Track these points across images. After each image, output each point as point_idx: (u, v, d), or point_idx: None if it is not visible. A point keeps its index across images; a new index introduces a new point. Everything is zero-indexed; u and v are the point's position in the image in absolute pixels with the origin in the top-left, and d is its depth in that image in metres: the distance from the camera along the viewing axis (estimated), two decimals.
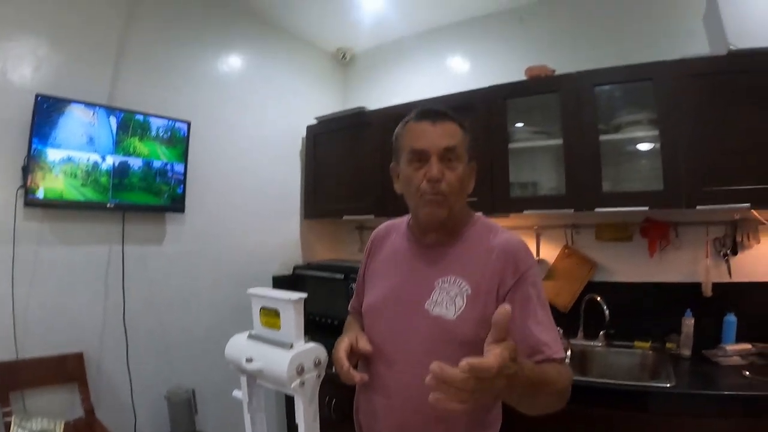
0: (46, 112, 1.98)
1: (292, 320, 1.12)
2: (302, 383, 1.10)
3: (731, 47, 1.93)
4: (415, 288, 1.25)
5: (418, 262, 1.30)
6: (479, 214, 1.35)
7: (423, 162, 1.20)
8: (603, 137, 2.19)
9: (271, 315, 1.16)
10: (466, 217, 1.30)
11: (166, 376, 2.44)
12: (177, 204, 2.45)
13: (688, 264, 2.34)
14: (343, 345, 1.22)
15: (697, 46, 2.18)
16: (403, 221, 1.43)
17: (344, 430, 1.50)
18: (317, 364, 1.14)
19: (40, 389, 2.00)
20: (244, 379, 1.22)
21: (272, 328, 1.17)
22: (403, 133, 1.27)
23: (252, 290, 1.21)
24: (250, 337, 1.21)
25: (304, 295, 1.12)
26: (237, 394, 1.27)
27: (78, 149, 2.08)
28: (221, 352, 1.27)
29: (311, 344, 1.15)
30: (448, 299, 1.19)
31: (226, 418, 2.39)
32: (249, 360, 1.13)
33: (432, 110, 1.24)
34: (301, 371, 1.10)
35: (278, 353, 1.11)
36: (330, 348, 1.25)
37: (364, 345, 1.24)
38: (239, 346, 1.21)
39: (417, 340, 1.20)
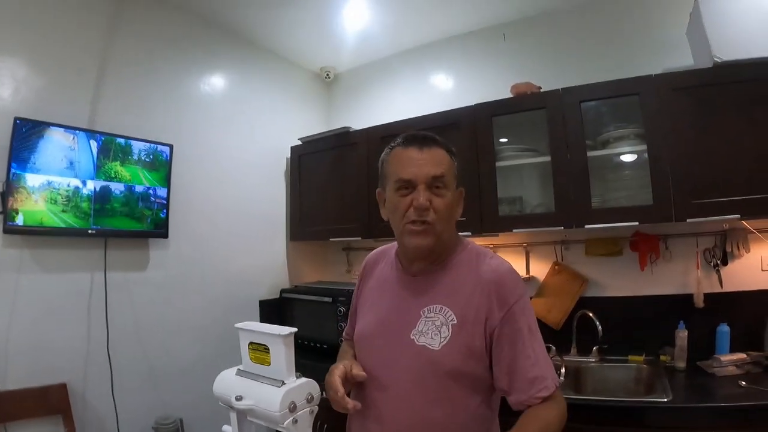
0: (24, 136, 1.92)
1: (282, 356, 1.09)
2: (295, 421, 1.07)
3: (716, 59, 1.94)
4: (402, 317, 1.24)
5: (404, 291, 1.28)
6: (469, 240, 1.33)
7: (410, 190, 1.18)
8: (591, 153, 2.18)
9: (260, 350, 1.13)
10: (454, 245, 1.28)
11: (153, 406, 2.37)
12: (160, 229, 2.40)
13: (679, 276, 2.33)
14: (337, 371, 1.20)
15: (681, 59, 2.20)
16: (393, 247, 1.41)
17: None
18: (310, 400, 1.11)
19: (24, 422, 1.92)
20: (234, 416, 1.18)
21: (262, 364, 1.13)
22: (389, 160, 1.25)
23: (240, 324, 1.17)
24: (239, 373, 1.18)
25: (293, 330, 1.09)
26: (227, 429, 1.23)
27: (58, 174, 2.02)
28: (209, 379, 1.23)
29: (303, 380, 1.11)
30: (434, 329, 1.17)
31: None
32: (239, 398, 1.09)
33: (419, 136, 1.23)
34: (293, 408, 1.06)
35: (269, 391, 1.07)
36: (320, 374, 1.22)
37: (358, 372, 1.21)
38: (228, 383, 1.17)
39: (404, 369, 1.19)
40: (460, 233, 1.34)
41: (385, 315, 1.28)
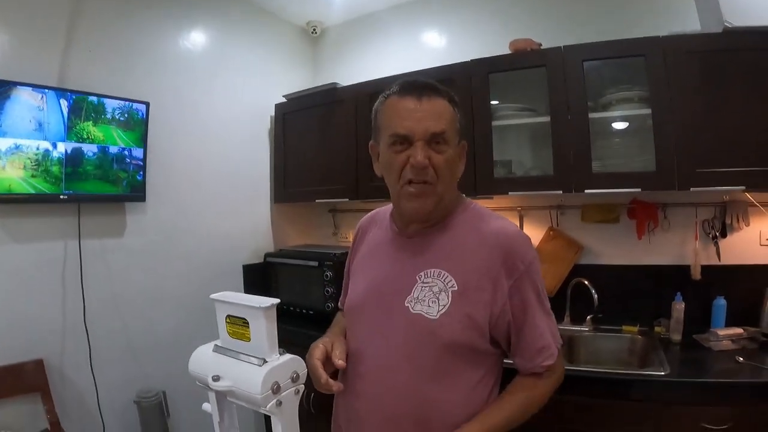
0: None
1: (264, 331, 0.99)
2: (279, 403, 0.98)
3: (726, 23, 1.85)
4: (395, 283, 1.14)
5: (398, 254, 1.19)
6: (470, 200, 1.23)
7: (406, 146, 1.07)
8: (592, 115, 2.09)
9: (238, 324, 1.03)
10: (455, 204, 1.18)
11: (134, 380, 2.31)
12: (137, 192, 2.28)
13: (676, 246, 2.28)
14: (317, 352, 1.11)
15: (687, 23, 2.10)
16: (388, 210, 1.31)
17: (322, 423, 1.43)
18: (295, 379, 1.02)
19: (1, 401, 1.85)
20: (212, 396, 1.09)
21: (241, 339, 1.04)
22: (383, 110, 1.13)
23: (216, 295, 1.07)
24: (216, 349, 1.08)
25: (275, 301, 0.99)
26: (207, 407, 1.15)
27: (26, 137, 1.89)
28: (192, 350, 1.14)
29: (287, 356, 1.02)
30: (431, 296, 1.08)
31: (200, 419, 2.25)
32: (216, 378, 1.00)
33: (417, 83, 1.10)
34: (276, 389, 0.97)
35: (249, 370, 0.98)
36: (307, 343, 1.16)
37: (336, 358, 1.11)
38: (204, 361, 1.08)
39: (396, 341, 1.10)
40: None
41: (377, 281, 1.19)
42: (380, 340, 1.12)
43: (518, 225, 2.55)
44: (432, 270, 1.10)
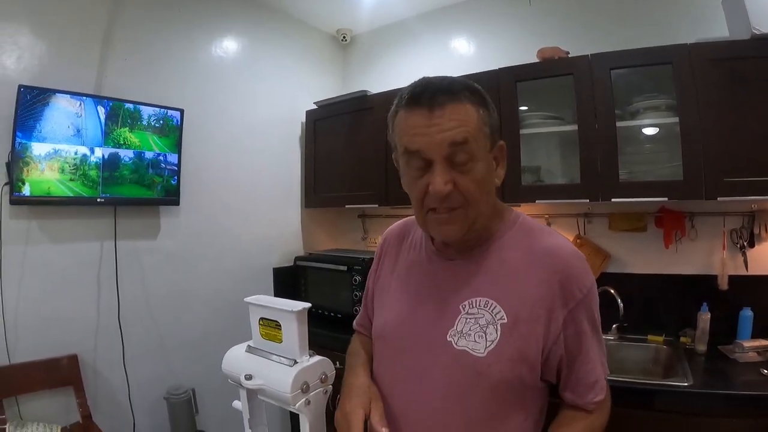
0: (29, 104, 1.87)
1: (295, 333, 1.04)
2: (308, 402, 1.02)
3: (755, 31, 1.83)
4: (435, 313, 0.99)
5: (438, 279, 1.02)
6: (518, 211, 1.06)
7: (424, 167, 0.90)
8: (620, 123, 2.08)
9: (271, 326, 1.08)
10: (499, 220, 1.01)
11: (164, 376, 2.37)
12: (171, 196, 2.35)
13: (703, 256, 2.25)
14: (356, 421, 0.92)
15: (715, 30, 2.07)
16: None
17: None
18: (324, 380, 1.06)
19: (35, 394, 1.93)
20: (243, 393, 1.14)
21: (273, 341, 1.08)
22: (395, 124, 0.96)
23: (250, 299, 1.12)
24: (249, 350, 1.13)
25: (307, 305, 1.04)
26: (237, 405, 1.20)
27: (65, 142, 1.97)
28: (221, 350, 1.19)
29: (317, 358, 1.06)
30: (477, 329, 0.93)
31: (228, 416, 2.30)
32: (248, 377, 1.04)
33: (428, 89, 0.89)
34: (306, 389, 1.01)
35: (280, 370, 1.03)
36: (335, 345, 1.13)
37: (378, 425, 0.92)
38: (237, 361, 1.13)
39: (437, 381, 0.95)
40: None
41: (413, 309, 1.02)
42: (418, 380, 0.97)
43: None
44: (478, 299, 0.95)
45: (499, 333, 0.91)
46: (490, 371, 0.90)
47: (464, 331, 0.94)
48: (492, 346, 0.91)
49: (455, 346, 0.94)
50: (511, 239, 0.99)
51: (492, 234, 1.00)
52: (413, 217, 1.10)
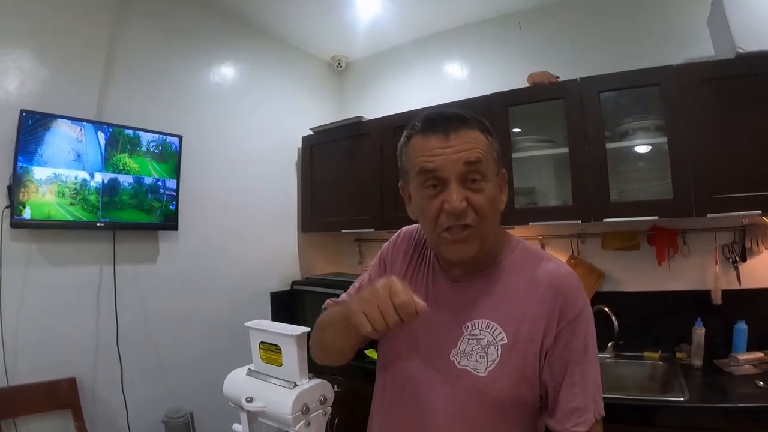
0: (31, 129, 1.90)
1: (295, 356, 1.06)
2: (308, 423, 1.04)
3: (739, 50, 1.88)
4: (439, 333, 1.01)
5: (443, 300, 1.04)
6: (518, 237, 1.09)
7: (438, 187, 0.93)
8: (609, 145, 2.13)
9: (271, 350, 1.10)
10: (501, 244, 1.05)
11: (163, 400, 2.36)
12: (170, 221, 2.37)
13: (696, 272, 2.28)
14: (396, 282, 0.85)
15: (701, 49, 2.13)
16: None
17: None
18: (323, 402, 1.08)
19: (33, 417, 1.92)
20: (244, 416, 1.16)
21: (273, 364, 1.10)
22: (408, 150, 0.98)
23: (251, 323, 1.14)
24: (250, 373, 1.15)
25: (306, 329, 1.06)
26: (237, 428, 1.21)
27: (65, 167, 2.00)
28: (220, 373, 1.21)
29: (316, 381, 1.08)
30: (479, 349, 0.95)
31: None
32: (249, 400, 1.06)
33: (442, 117, 0.95)
34: (306, 411, 1.03)
35: (280, 392, 1.05)
36: (333, 370, 1.07)
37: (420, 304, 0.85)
38: (238, 383, 1.15)
39: (439, 398, 0.97)
40: None
41: (418, 328, 1.02)
42: (421, 397, 1.00)
43: None
44: (480, 321, 0.98)
45: (499, 353, 0.94)
46: (491, 390, 0.93)
47: (466, 351, 0.96)
48: (492, 366, 0.94)
49: (458, 365, 0.96)
50: (514, 264, 1.02)
51: (496, 258, 1.03)
52: (419, 229, 1.16)
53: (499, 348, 0.94)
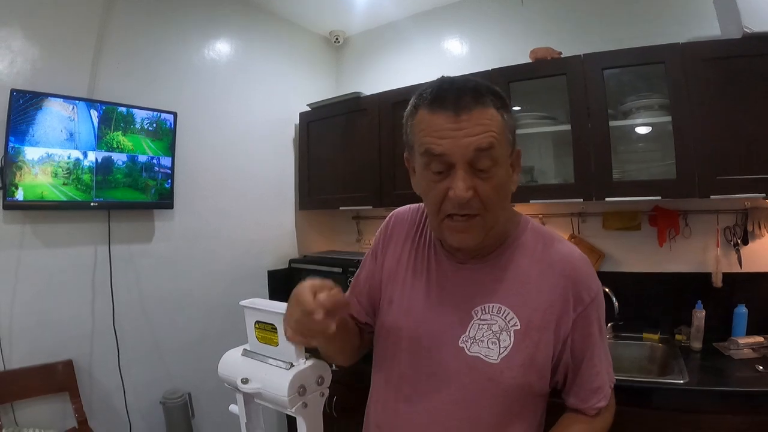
0: (22, 108, 1.86)
1: None
2: (305, 405, 1.01)
3: (746, 30, 1.84)
4: (447, 318, 0.97)
5: (449, 282, 1.00)
6: (527, 217, 1.05)
7: (444, 172, 0.86)
8: (613, 123, 2.09)
9: (267, 330, 1.07)
10: (511, 225, 1.00)
11: (160, 381, 2.37)
12: (165, 200, 2.34)
13: (697, 253, 2.26)
14: (308, 286, 0.86)
15: (707, 29, 2.10)
16: None
17: (345, 427, 1.44)
18: (320, 383, 1.05)
19: (30, 400, 1.92)
20: (240, 398, 1.14)
21: (269, 344, 1.08)
22: (414, 124, 0.90)
23: (245, 302, 1.11)
24: (245, 353, 1.12)
25: None
26: (234, 409, 1.19)
27: (58, 146, 1.97)
28: (217, 354, 1.18)
29: (312, 361, 1.06)
30: (490, 335, 0.92)
31: (224, 420, 2.32)
32: (245, 381, 1.04)
33: (453, 88, 0.85)
34: (303, 392, 1.01)
35: (276, 373, 1.02)
36: None
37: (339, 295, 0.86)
38: (233, 364, 1.12)
39: (447, 385, 0.94)
40: None
41: (423, 310, 1.00)
42: (427, 383, 0.97)
43: None
44: (491, 305, 0.94)
45: (512, 339, 0.91)
46: (502, 377, 0.91)
47: (477, 337, 0.93)
48: (505, 353, 0.91)
49: (468, 352, 0.93)
50: (525, 246, 0.98)
51: (505, 239, 0.99)
52: (421, 206, 1.11)
53: (512, 334, 0.91)
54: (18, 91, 1.86)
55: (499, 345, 0.91)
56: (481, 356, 0.92)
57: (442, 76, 0.91)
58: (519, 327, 0.91)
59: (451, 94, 0.84)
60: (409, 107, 0.93)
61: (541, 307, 0.92)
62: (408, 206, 1.16)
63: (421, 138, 0.87)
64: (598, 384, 0.96)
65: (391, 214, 1.18)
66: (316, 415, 1.05)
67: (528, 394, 0.94)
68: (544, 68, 2.25)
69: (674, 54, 1.96)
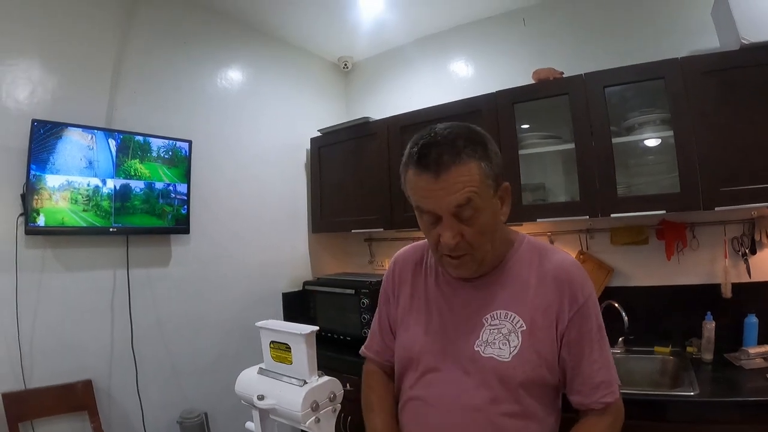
0: (43, 138, 1.94)
1: (304, 354, 1.08)
2: (318, 420, 1.06)
3: (744, 41, 1.87)
4: (461, 327, 1.10)
5: (458, 299, 1.13)
6: (523, 233, 1.18)
7: (435, 221, 1.01)
8: (616, 139, 2.12)
9: (281, 349, 1.12)
10: (507, 246, 1.13)
11: (177, 401, 2.40)
12: (181, 225, 2.41)
13: (706, 265, 2.27)
14: None
15: (706, 41, 2.13)
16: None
17: None
18: (332, 399, 1.10)
19: (50, 419, 1.96)
20: (256, 414, 1.18)
21: (283, 363, 1.13)
22: (406, 180, 1.04)
23: (261, 323, 1.16)
24: (261, 371, 1.17)
25: (315, 328, 1.09)
26: (250, 426, 1.23)
27: (78, 174, 2.04)
28: (233, 373, 1.23)
29: (325, 378, 1.11)
30: (501, 338, 1.04)
31: None
32: (261, 397, 1.08)
33: (432, 156, 0.96)
34: (315, 407, 1.05)
35: (290, 390, 1.07)
36: (344, 367, 1.17)
37: None
38: (250, 382, 1.17)
39: (469, 386, 1.05)
40: None
41: (440, 326, 1.12)
42: (449, 388, 1.07)
43: None
44: (498, 312, 1.07)
45: (520, 339, 1.03)
46: (516, 373, 1.02)
47: (489, 341, 1.05)
48: (515, 351, 1.03)
49: (483, 354, 1.05)
50: (522, 259, 1.11)
51: (503, 258, 1.12)
52: (419, 244, 1.28)
53: (520, 334, 1.04)
54: (39, 121, 1.93)
55: (509, 345, 1.04)
56: (495, 356, 1.04)
57: (430, 128, 1.01)
58: (525, 328, 1.04)
59: (432, 157, 0.95)
60: (404, 158, 1.04)
61: (542, 308, 1.05)
62: (406, 247, 1.32)
63: (412, 195, 1.02)
64: (600, 379, 1.04)
65: (393, 258, 1.32)
66: (329, 430, 1.09)
67: (545, 387, 1.06)
68: (547, 89, 2.29)
69: (673, 69, 1.99)
